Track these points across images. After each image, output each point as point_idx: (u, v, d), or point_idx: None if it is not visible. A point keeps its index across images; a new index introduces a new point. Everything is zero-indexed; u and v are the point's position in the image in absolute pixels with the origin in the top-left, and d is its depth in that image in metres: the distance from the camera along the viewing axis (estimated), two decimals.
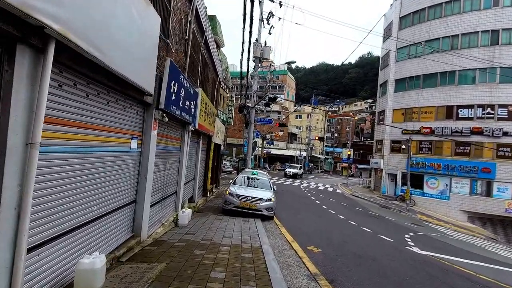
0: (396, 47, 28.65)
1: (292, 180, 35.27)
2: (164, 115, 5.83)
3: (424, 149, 25.83)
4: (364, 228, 12.11)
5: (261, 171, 15.09)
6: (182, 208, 8.82)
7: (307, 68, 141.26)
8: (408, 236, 12.21)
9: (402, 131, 26.21)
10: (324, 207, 17.59)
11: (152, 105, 5.57)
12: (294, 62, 20.52)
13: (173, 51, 7.24)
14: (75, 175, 3.54)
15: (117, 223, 4.80)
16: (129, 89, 4.46)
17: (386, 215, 18.62)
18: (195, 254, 5.34)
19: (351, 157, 45.41)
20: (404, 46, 27.95)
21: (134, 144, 5.22)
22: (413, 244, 10.39)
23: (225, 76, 25.02)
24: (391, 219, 17.50)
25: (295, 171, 39.16)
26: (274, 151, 49.62)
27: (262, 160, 43.28)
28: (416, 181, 25.09)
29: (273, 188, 11.84)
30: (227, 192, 10.81)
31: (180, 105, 6.93)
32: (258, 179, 12.49)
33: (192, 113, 8.63)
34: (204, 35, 11.41)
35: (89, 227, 3.93)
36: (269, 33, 20.58)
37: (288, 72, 63.55)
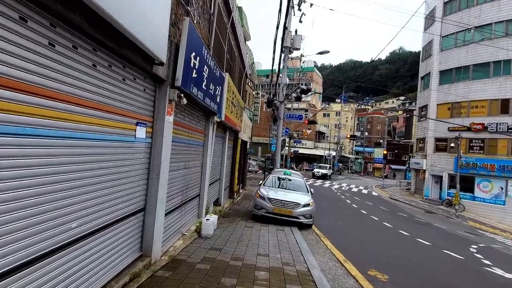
0: (441, 35, 25.85)
1: (321, 181, 33.27)
2: (182, 95, 4.41)
3: (475, 147, 22.92)
4: (420, 240, 10.16)
5: (294, 171, 13.44)
6: (206, 213, 7.44)
7: (333, 65, 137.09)
8: (475, 250, 10.10)
9: (448, 128, 23.49)
10: (364, 212, 15.69)
11: (166, 81, 4.17)
12: (328, 52, 18.63)
13: (195, 22, 5.85)
14: (33, 175, 2.17)
15: (116, 242, 3.43)
16: (128, 48, 3.06)
17: (435, 222, 16.34)
18: (223, 286, 3.87)
19: (386, 157, 42.32)
20: (449, 34, 25.12)
21: (141, 132, 3.83)
22: (490, 263, 8.33)
23: (251, 72, 23.69)
24: (442, 226, 15.24)
25: (324, 171, 37.01)
26: (301, 151, 47.57)
27: (289, 159, 41.48)
28: (465, 183, 22.27)
29: (310, 191, 10.18)
30: (258, 195, 9.32)
31: (203, 87, 5.52)
32: (291, 180, 10.89)
33: (218, 101, 7.22)
34: (231, 15, 10.01)
35: (66, 253, 2.56)
36: (300, 21, 18.87)
37: (315, 69, 61.16)
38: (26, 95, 2.04)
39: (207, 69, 5.60)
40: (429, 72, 26.58)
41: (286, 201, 8.80)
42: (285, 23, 13.76)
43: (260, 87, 42.35)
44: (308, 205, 8.90)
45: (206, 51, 5.39)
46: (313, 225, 9.25)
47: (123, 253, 3.63)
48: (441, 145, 24.91)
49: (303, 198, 9.18)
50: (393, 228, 11.89)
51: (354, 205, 17.71)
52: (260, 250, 5.75)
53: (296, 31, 17.97)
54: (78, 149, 2.64)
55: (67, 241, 2.57)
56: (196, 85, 5.00)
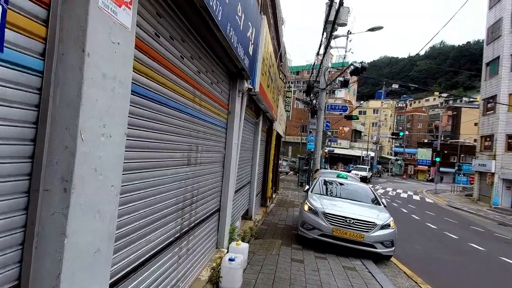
0: None
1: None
2: None
3: None
4: None
5: (349, 174, 10.17)
6: (230, 239, 4.56)
7: (366, 63, 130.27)
8: None
9: None
10: (432, 226, 12.18)
11: None
12: (381, 27, 15.20)
13: None
14: None
15: None
16: None
17: None
18: None
19: (434, 158, 37.43)
20: None
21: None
22: None
23: (283, 62, 20.77)
24: None
25: (363, 173, 33.07)
26: (336, 150, 43.57)
27: (323, 160, 37.93)
28: None
29: (383, 203, 6.96)
30: (306, 207, 6.27)
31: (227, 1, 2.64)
32: (350, 186, 7.78)
33: (250, 53, 4.32)
34: None
35: None
36: None
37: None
38: None
39: None
40: (498, 56, 22.09)
41: (352, 218, 5.68)
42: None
43: (290, 83, 39.14)
44: (388, 226, 5.71)
45: None
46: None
47: None
48: None
49: (377, 214, 6.01)
50: (489, 253, 8.43)
51: (415, 216, 14.18)
52: None
53: (342, 2, 14.78)
54: None
55: None
56: None
